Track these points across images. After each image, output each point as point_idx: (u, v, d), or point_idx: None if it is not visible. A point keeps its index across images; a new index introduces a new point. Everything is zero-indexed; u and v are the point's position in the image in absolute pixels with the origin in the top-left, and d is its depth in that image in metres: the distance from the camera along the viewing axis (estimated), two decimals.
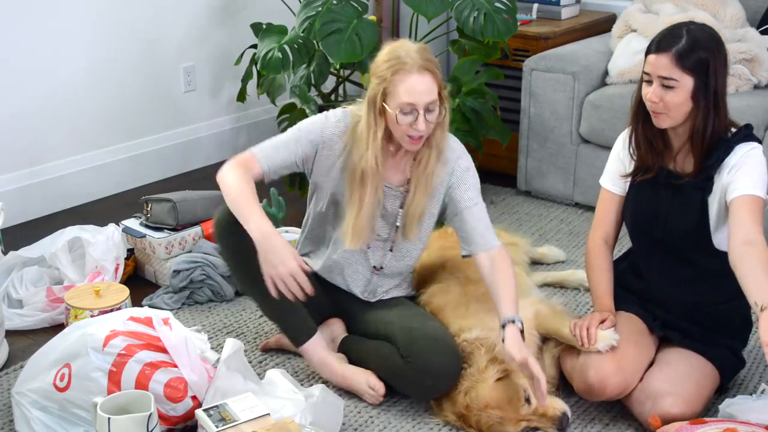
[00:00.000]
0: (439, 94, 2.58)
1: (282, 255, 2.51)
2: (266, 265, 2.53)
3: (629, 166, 2.69)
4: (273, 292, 2.54)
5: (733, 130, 2.57)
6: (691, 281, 2.62)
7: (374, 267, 2.81)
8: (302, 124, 2.75)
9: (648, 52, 2.52)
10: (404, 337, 2.67)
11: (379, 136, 2.60)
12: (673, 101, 2.47)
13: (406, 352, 2.64)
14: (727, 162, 2.52)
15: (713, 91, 2.48)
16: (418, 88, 2.53)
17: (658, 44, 2.49)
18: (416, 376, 2.62)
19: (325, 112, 2.76)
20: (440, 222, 3.60)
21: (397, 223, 2.75)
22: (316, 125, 2.72)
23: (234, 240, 2.69)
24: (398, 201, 2.74)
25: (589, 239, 2.79)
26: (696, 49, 2.45)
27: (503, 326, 2.56)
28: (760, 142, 2.58)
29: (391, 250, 2.80)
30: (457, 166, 2.73)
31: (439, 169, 2.69)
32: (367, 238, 2.73)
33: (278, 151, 2.71)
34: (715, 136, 2.52)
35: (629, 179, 2.69)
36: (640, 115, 2.61)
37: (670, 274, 2.66)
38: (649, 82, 2.51)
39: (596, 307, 2.70)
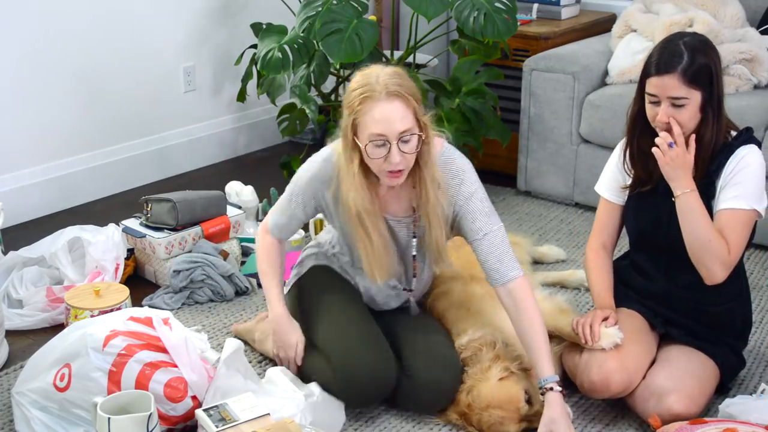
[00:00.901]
0: (418, 121, 2.40)
1: (288, 341, 2.72)
2: (275, 344, 2.77)
3: (628, 178, 2.68)
4: (277, 361, 2.79)
5: (733, 133, 2.57)
6: (693, 284, 2.62)
7: (405, 289, 2.78)
8: (296, 182, 2.64)
9: (648, 74, 2.48)
10: (407, 351, 2.66)
11: (354, 172, 2.43)
12: (685, 118, 2.46)
13: (407, 366, 2.63)
14: (727, 166, 2.52)
15: (717, 97, 2.48)
16: (388, 116, 2.34)
17: (661, 66, 2.45)
18: (416, 391, 2.61)
19: (312, 157, 2.62)
20: None
21: (413, 253, 2.67)
22: (306, 177, 2.60)
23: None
24: (408, 230, 2.63)
25: (588, 245, 2.80)
26: (698, 62, 2.44)
27: (542, 389, 2.44)
28: (759, 144, 2.58)
29: (414, 276, 2.74)
30: (459, 195, 2.54)
31: (441, 197, 2.52)
32: (391, 269, 2.62)
33: (291, 221, 2.72)
34: (719, 141, 2.53)
35: (626, 191, 2.69)
36: (637, 130, 2.60)
37: (672, 277, 2.65)
38: (656, 103, 2.48)
39: (597, 305, 2.70)
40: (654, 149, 2.49)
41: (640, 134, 2.59)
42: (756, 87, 3.92)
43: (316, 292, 2.78)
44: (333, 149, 2.57)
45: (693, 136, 2.49)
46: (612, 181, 2.74)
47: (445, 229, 2.60)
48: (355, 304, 2.73)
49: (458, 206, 2.55)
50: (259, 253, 2.80)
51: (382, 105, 2.35)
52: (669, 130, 2.47)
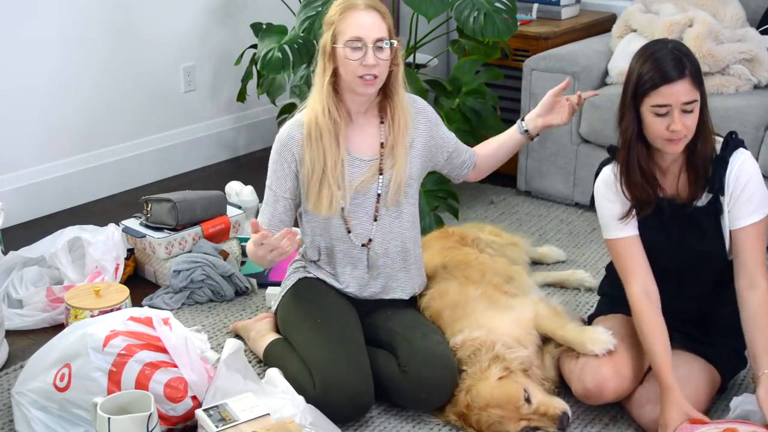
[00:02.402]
0: (390, 39, 2.61)
1: (258, 257, 2.61)
2: (274, 260, 2.60)
3: (624, 205, 2.55)
4: (275, 256, 2.57)
5: (718, 139, 2.53)
6: (698, 296, 2.61)
7: (362, 245, 2.77)
8: (272, 156, 2.75)
9: (652, 88, 2.40)
10: (405, 348, 2.66)
11: (325, 81, 2.61)
12: (693, 122, 2.43)
13: (404, 363, 2.63)
14: (727, 178, 2.49)
15: (705, 99, 2.46)
16: (366, 22, 2.57)
17: (667, 74, 2.39)
18: (412, 388, 2.61)
19: (277, 134, 2.78)
20: (440, 222, 3.62)
21: (379, 191, 2.73)
22: (279, 143, 2.73)
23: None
24: (373, 171, 2.72)
25: (629, 295, 2.57)
26: (694, 63, 2.44)
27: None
28: (744, 144, 2.55)
29: (375, 220, 2.76)
30: (426, 115, 2.78)
31: (411, 121, 2.72)
32: (335, 202, 2.67)
33: (276, 205, 2.74)
34: (710, 150, 2.49)
35: (631, 218, 2.56)
36: (635, 152, 2.49)
37: (678, 293, 2.62)
38: (664, 114, 2.40)
39: (657, 380, 2.50)
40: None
41: (639, 155, 2.49)
42: (756, 87, 3.92)
43: (303, 306, 2.78)
44: (298, 115, 2.72)
45: None
46: (610, 218, 2.58)
47: (419, 164, 2.77)
48: (339, 320, 2.72)
49: (431, 126, 2.79)
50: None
51: (360, 13, 2.59)
52: (678, 139, 2.41)
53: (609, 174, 2.58)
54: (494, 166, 2.99)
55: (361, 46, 2.56)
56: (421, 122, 2.78)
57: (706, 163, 2.50)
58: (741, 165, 2.49)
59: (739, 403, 2.52)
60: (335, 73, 2.64)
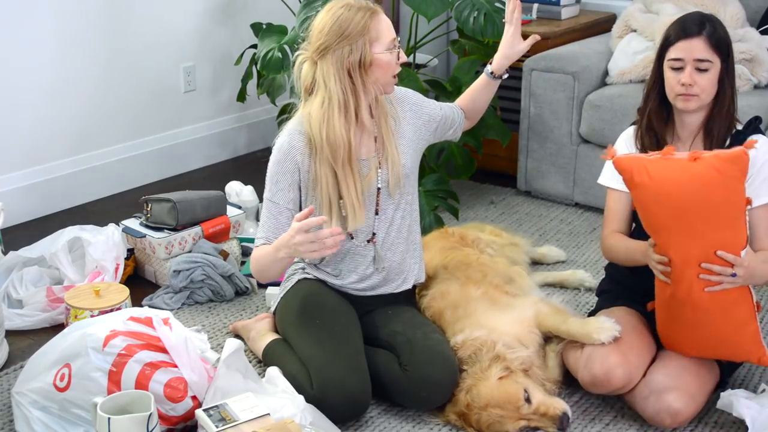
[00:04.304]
0: None
1: (293, 244, 2.48)
2: (305, 255, 2.51)
3: None
4: (315, 255, 2.49)
5: (739, 126, 2.61)
6: None
7: (367, 240, 2.77)
8: (271, 170, 2.70)
9: (671, 42, 2.58)
10: (406, 347, 2.66)
11: (361, 104, 2.62)
12: (707, 83, 2.54)
13: (405, 362, 2.63)
14: None
15: (731, 73, 2.57)
16: (389, 23, 2.64)
17: (686, 30, 2.57)
18: (412, 387, 2.61)
19: (275, 145, 2.72)
20: (440, 222, 3.62)
21: (379, 185, 2.74)
22: (278, 158, 2.68)
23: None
24: (373, 166, 2.73)
25: (601, 236, 2.78)
26: (720, 32, 2.57)
27: None
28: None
29: (377, 214, 2.76)
30: (407, 99, 2.82)
31: (389, 111, 2.76)
32: (363, 212, 2.69)
33: (279, 217, 2.69)
34: (731, 127, 2.58)
35: None
36: (650, 103, 2.66)
37: None
38: (679, 69, 2.56)
39: (640, 247, 2.58)
40: (719, 279, 2.40)
41: (653, 109, 2.65)
42: (756, 87, 3.92)
43: (302, 307, 2.77)
44: (294, 123, 2.69)
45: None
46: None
47: (411, 151, 2.79)
48: (338, 321, 2.72)
49: (414, 105, 2.82)
50: (254, 263, 2.72)
51: (383, 17, 2.64)
52: (690, 95, 2.54)
53: (631, 129, 2.74)
54: (481, 110, 3.04)
55: (396, 45, 2.63)
56: (405, 110, 2.81)
57: (722, 134, 2.59)
58: (761, 145, 2.52)
59: (727, 394, 2.53)
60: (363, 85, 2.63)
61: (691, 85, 2.54)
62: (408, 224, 2.83)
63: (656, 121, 2.65)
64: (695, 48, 2.54)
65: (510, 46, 2.89)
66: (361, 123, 2.69)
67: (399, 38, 2.67)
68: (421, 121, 2.84)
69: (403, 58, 2.65)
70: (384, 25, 2.61)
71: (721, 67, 2.56)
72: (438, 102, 2.94)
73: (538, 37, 2.96)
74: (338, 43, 2.58)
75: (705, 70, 2.54)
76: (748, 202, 2.44)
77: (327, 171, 2.64)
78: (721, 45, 2.55)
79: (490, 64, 2.94)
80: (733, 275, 2.36)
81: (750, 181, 2.49)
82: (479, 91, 2.98)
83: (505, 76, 2.95)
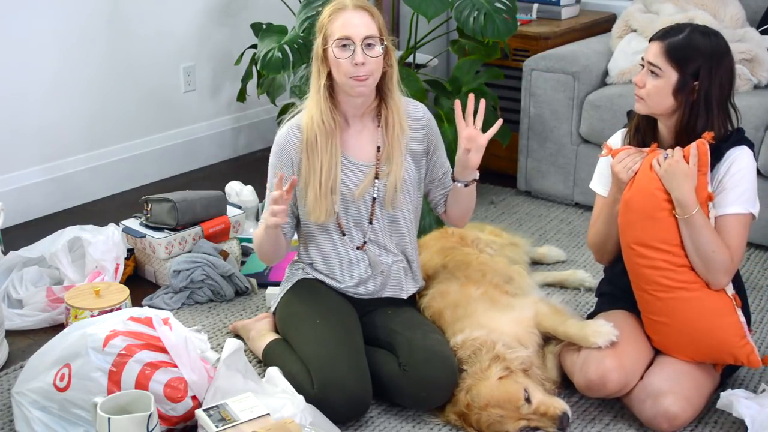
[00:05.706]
0: (381, 38, 2.62)
1: (265, 218, 2.63)
2: (268, 220, 2.63)
3: None
4: (277, 215, 2.58)
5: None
6: None
7: (357, 247, 2.78)
8: (271, 159, 2.77)
9: (650, 39, 2.61)
10: (405, 347, 2.66)
11: (321, 85, 2.62)
12: (653, 89, 2.54)
13: (405, 362, 2.63)
14: (718, 169, 2.54)
15: (705, 94, 2.50)
16: (354, 21, 2.58)
17: (659, 34, 2.57)
18: (412, 387, 2.61)
19: (276, 135, 2.78)
20: (440, 222, 3.62)
21: (374, 195, 2.73)
22: (278, 146, 2.74)
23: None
24: (371, 177, 2.72)
25: (587, 238, 2.84)
26: (689, 50, 2.51)
27: None
28: (751, 145, 2.58)
29: (370, 223, 2.76)
30: (429, 129, 2.77)
31: (406, 125, 2.71)
32: (330, 208, 2.69)
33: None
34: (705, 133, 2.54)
35: None
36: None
37: None
38: (643, 66, 2.59)
39: (611, 193, 2.70)
40: (652, 162, 2.52)
41: (640, 117, 2.67)
42: (756, 87, 3.92)
43: (302, 306, 2.78)
44: (296, 119, 2.73)
45: (694, 145, 2.48)
46: (606, 177, 2.76)
47: (418, 167, 2.77)
48: (338, 320, 2.72)
49: (432, 137, 2.78)
50: (254, 244, 2.79)
51: (348, 14, 2.60)
52: (638, 96, 2.58)
53: (619, 134, 2.78)
54: (462, 214, 2.85)
55: (350, 45, 2.57)
56: (420, 132, 2.77)
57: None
58: (736, 159, 2.54)
59: (727, 394, 2.53)
60: (329, 77, 2.65)
61: (640, 87, 2.57)
62: (407, 243, 2.81)
63: (642, 124, 2.67)
64: (651, 51, 2.55)
65: (463, 153, 2.67)
66: (357, 123, 2.69)
67: (371, 38, 2.58)
68: (427, 157, 2.80)
69: (359, 59, 2.55)
70: (340, 21, 2.59)
71: (677, 80, 2.51)
72: (448, 164, 2.83)
73: (498, 125, 2.72)
74: (316, 35, 2.68)
75: (655, 75, 2.54)
76: (710, 197, 2.48)
77: (304, 157, 2.70)
78: (682, 58, 2.50)
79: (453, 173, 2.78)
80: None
81: (720, 190, 2.53)
82: (453, 196, 2.81)
83: (472, 178, 2.74)
